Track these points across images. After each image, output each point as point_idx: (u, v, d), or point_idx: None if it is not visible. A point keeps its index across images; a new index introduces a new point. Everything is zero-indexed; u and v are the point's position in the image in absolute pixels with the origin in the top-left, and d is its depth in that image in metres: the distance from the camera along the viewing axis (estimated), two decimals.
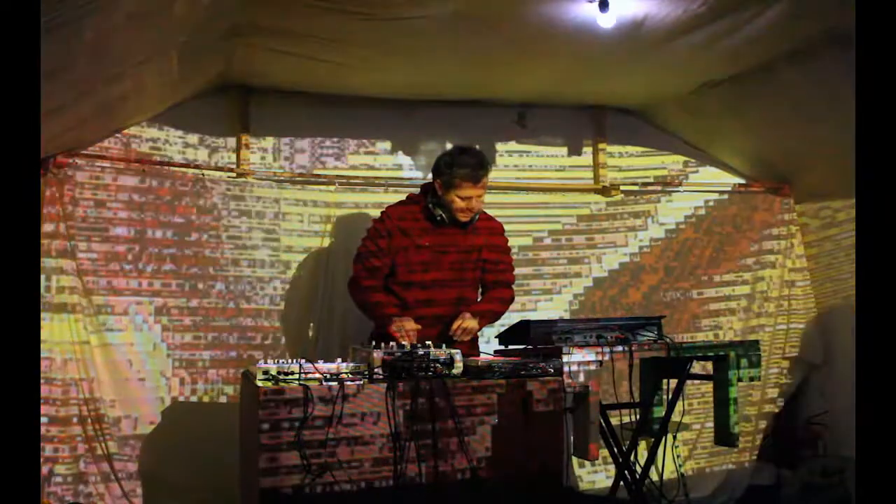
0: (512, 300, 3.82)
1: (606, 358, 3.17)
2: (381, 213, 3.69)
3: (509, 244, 3.83)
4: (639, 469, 3.58)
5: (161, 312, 4.03)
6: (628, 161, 5.00)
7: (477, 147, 3.71)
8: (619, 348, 3.21)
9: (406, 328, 3.33)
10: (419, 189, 3.75)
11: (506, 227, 3.80)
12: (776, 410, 4.91)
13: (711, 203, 5.01)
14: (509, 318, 3.90)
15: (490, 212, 3.75)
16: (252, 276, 4.23)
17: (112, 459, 3.82)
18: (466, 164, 3.48)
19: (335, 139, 4.53)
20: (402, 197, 3.83)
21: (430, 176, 3.72)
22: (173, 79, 3.61)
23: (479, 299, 3.74)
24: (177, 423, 3.98)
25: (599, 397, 3.14)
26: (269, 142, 4.42)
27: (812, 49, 3.69)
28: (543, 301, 4.75)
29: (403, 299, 3.56)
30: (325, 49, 3.66)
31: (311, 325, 4.33)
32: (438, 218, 3.55)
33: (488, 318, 3.71)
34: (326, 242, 4.39)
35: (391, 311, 3.48)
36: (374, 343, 3.01)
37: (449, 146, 3.94)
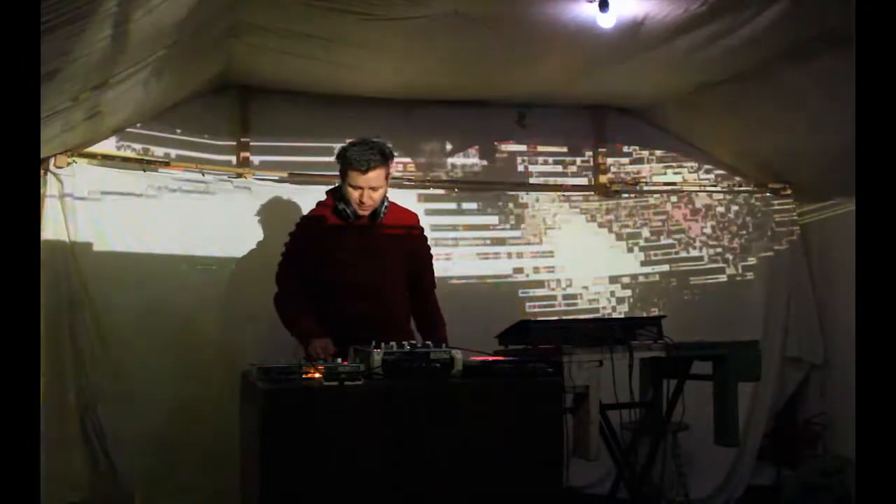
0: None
1: (606, 358, 3.17)
2: (296, 224, 3.53)
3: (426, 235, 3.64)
4: (639, 469, 3.58)
5: (162, 311, 4.03)
6: (628, 161, 5.00)
7: (377, 139, 3.40)
8: (619, 348, 3.21)
9: (319, 349, 3.19)
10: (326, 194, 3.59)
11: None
12: (776, 410, 4.91)
13: (711, 203, 5.01)
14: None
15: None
16: (253, 276, 4.22)
17: (112, 459, 3.83)
18: (355, 152, 3.30)
19: (335, 139, 4.53)
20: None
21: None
22: (173, 79, 3.61)
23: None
24: (177, 423, 3.98)
25: (599, 397, 3.14)
26: (268, 142, 4.42)
27: (812, 49, 3.69)
28: (543, 301, 4.75)
29: (333, 301, 3.40)
30: (325, 49, 3.66)
31: None
32: (343, 212, 3.38)
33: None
34: None
35: (309, 329, 3.31)
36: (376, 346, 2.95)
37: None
